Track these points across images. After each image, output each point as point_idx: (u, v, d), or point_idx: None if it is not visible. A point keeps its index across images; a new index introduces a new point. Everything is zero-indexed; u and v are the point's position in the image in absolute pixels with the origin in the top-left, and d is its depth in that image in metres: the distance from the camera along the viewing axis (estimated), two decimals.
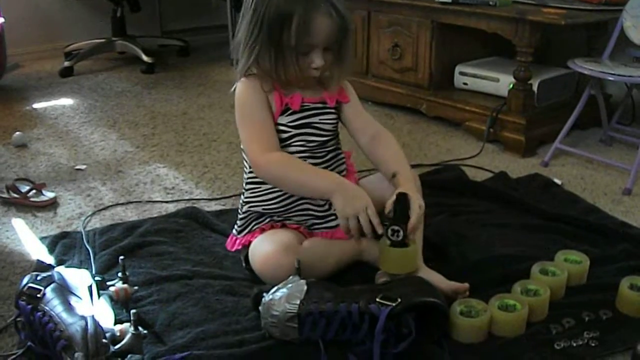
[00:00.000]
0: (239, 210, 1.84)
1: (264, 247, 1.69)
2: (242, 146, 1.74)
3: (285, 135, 1.71)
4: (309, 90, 1.73)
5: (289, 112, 1.71)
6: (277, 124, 1.70)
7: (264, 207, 1.76)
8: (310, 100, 1.73)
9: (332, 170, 1.77)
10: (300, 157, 1.70)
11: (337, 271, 1.72)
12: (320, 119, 1.75)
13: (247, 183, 1.79)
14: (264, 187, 1.75)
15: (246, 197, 1.80)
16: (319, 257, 1.67)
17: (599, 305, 1.62)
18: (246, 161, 1.77)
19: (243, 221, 1.81)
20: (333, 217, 1.74)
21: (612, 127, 2.81)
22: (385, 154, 1.77)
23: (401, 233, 1.55)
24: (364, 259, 1.76)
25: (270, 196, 1.75)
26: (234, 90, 1.73)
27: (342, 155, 1.83)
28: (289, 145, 1.72)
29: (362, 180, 1.88)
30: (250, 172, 1.76)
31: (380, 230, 1.56)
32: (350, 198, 1.57)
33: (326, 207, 1.76)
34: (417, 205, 1.58)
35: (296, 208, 1.76)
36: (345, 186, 1.61)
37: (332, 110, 1.77)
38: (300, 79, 1.68)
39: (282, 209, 1.76)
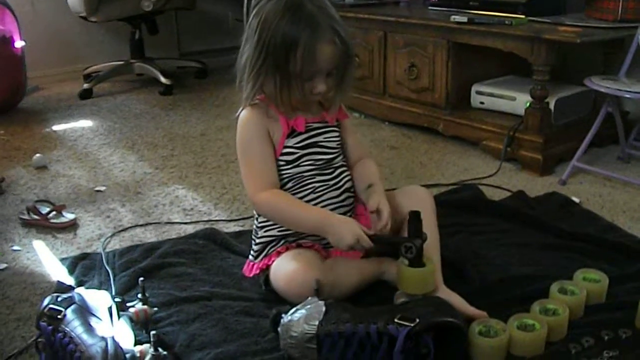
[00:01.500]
0: (253, 236, 1.85)
1: (288, 266, 1.69)
2: (242, 178, 1.79)
3: (293, 157, 1.75)
4: (309, 112, 1.77)
5: (295, 134, 1.74)
6: (284, 147, 1.74)
7: (278, 228, 1.77)
8: (312, 121, 1.77)
9: (341, 186, 1.80)
10: (309, 175, 1.75)
11: (359, 290, 1.72)
12: (324, 138, 1.79)
13: None
14: None
15: (260, 222, 1.81)
16: (342, 275, 1.68)
17: (618, 324, 1.61)
18: None
19: (259, 246, 1.81)
20: None
21: (629, 144, 2.80)
22: (367, 171, 1.84)
23: (414, 250, 1.56)
24: (385, 279, 1.76)
25: None
26: (237, 116, 1.78)
27: (349, 172, 1.84)
28: (298, 165, 1.75)
29: None
30: None
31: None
32: (338, 234, 1.62)
33: None
34: (381, 203, 1.69)
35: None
36: (332, 222, 1.65)
37: (335, 128, 1.82)
38: (303, 103, 1.72)
39: (299, 232, 1.76)
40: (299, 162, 1.75)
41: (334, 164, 1.80)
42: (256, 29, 1.65)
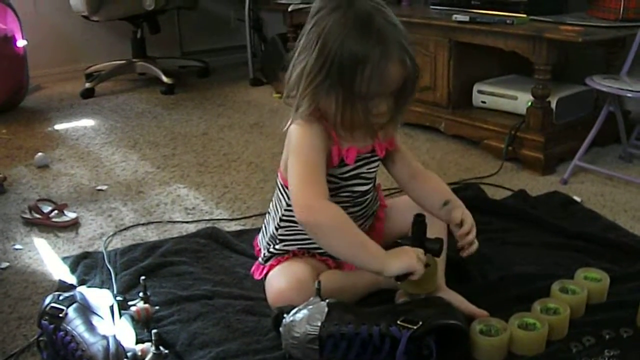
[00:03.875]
0: (268, 242, 1.79)
1: (278, 282, 1.66)
2: (290, 183, 1.58)
3: (333, 186, 1.63)
4: (361, 139, 1.64)
5: (342, 164, 1.64)
6: (328, 175, 1.60)
7: (299, 245, 1.74)
8: (362, 152, 1.66)
9: (368, 214, 1.76)
10: (343, 207, 1.57)
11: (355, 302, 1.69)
12: (367, 169, 1.70)
13: (282, 220, 1.74)
14: (300, 227, 1.66)
15: (280, 234, 1.75)
16: (335, 292, 1.60)
17: (620, 323, 1.61)
18: (285, 198, 1.71)
19: (271, 254, 1.76)
20: None
21: (631, 143, 2.79)
22: (438, 187, 1.75)
23: (440, 248, 1.57)
24: (382, 287, 1.72)
25: (307, 235, 1.67)
26: (286, 128, 1.64)
27: (377, 194, 1.80)
28: (336, 195, 1.65)
29: (389, 201, 1.88)
30: (287, 210, 1.70)
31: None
32: (402, 256, 1.49)
33: None
34: (464, 214, 1.63)
35: None
36: (390, 253, 1.51)
37: (379, 158, 1.72)
38: (362, 125, 1.56)
39: (318, 248, 1.72)
40: (337, 192, 1.66)
41: (368, 193, 1.74)
42: (317, 41, 1.49)
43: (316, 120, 1.58)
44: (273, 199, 1.80)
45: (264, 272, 1.77)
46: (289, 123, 1.63)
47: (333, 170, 1.64)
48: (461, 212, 1.65)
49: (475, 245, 1.64)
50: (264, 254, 1.79)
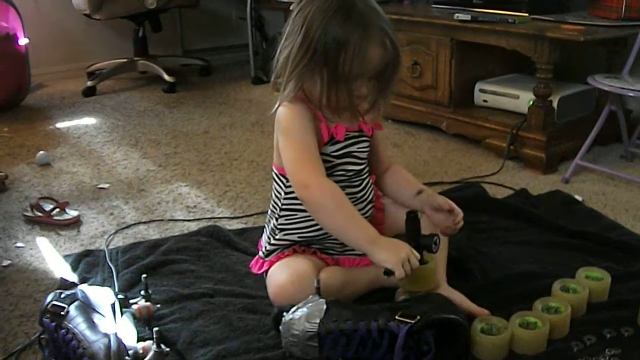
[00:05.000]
0: (269, 235, 1.79)
1: (279, 277, 1.68)
2: (286, 164, 1.63)
3: (327, 165, 1.66)
4: (347, 119, 1.69)
5: (333, 141, 1.67)
6: (321, 154, 1.64)
7: (299, 234, 1.74)
8: (350, 130, 1.70)
9: (366, 198, 1.77)
10: (339, 186, 1.61)
11: (355, 299, 1.70)
12: (358, 148, 1.72)
13: (282, 209, 1.74)
14: (300, 214, 1.71)
15: (280, 224, 1.75)
16: (336, 288, 1.64)
17: (621, 322, 1.61)
18: (282, 187, 1.73)
19: (273, 247, 1.76)
20: None
21: (632, 143, 2.79)
22: (407, 178, 1.83)
23: (438, 242, 1.58)
24: (384, 285, 1.73)
25: (307, 224, 1.71)
26: (274, 111, 1.68)
27: (372, 182, 1.81)
28: (330, 174, 1.66)
29: (386, 201, 1.89)
30: (286, 198, 1.72)
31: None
32: (393, 249, 1.52)
33: None
34: (445, 201, 1.70)
35: (332, 240, 1.74)
36: (384, 240, 1.55)
37: (368, 138, 1.75)
38: (347, 106, 1.63)
39: (318, 237, 1.74)
40: (332, 171, 1.68)
41: (362, 175, 1.76)
42: (301, 26, 1.56)
43: (301, 101, 1.64)
44: (272, 195, 1.80)
45: (265, 267, 1.77)
46: (276, 106, 1.68)
47: (325, 149, 1.66)
48: (443, 198, 1.73)
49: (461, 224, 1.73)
50: (265, 247, 1.79)
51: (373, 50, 1.55)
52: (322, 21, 1.53)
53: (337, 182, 1.65)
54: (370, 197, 1.79)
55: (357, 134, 1.72)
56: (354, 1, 1.55)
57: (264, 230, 1.85)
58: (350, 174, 1.72)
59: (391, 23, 1.59)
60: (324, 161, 1.65)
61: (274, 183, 1.77)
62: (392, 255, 1.50)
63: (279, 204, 1.75)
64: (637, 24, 2.62)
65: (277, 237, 1.76)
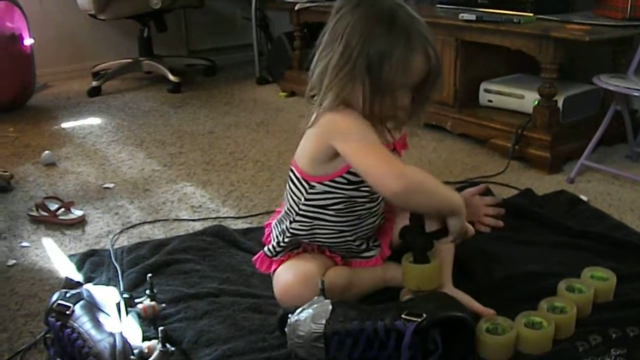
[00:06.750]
0: (278, 235, 1.77)
1: (285, 277, 1.68)
2: (364, 166, 1.54)
3: (357, 179, 1.62)
4: (381, 136, 1.62)
5: None
6: (350, 170, 1.61)
7: (312, 239, 1.73)
8: (387, 146, 1.62)
9: (380, 213, 1.77)
10: (361, 202, 1.65)
11: (360, 299, 1.70)
12: None
13: (298, 214, 1.71)
14: (316, 222, 1.69)
15: (293, 228, 1.72)
16: (342, 287, 1.65)
17: (626, 322, 1.60)
18: (303, 192, 1.68)
19: (282, 248, 1.75)
20: (371, 250, 1.77)
21: (638, 143, 2.79)
22: None
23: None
24: (391, 285, 1.74)
25: (320, 231, 1.71)
26: (311, 124, 1.61)
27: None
28: (358, 189, 1.64)
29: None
30: (305, 205, 1.69)
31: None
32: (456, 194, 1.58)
33: (363, 247, 1.76)
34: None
35: (342, 246, 1.74)
36: (454, 192, 1.59)
37: (398, 156, 1.71)
38: (391, 116, 1.60)
39: (328, 244, 1.74)
40: (359, 185, 1.63)
41: None
42: (342, 36, 1.52)
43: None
44: (287, 197, 1.75)
45: (274, 266, 1.76)
46: (312, 119, 1.61)
47: None
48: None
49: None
50: (273, 245, 1.77)
51: (417, 60, 1.52)
52: (364, 31, 1.50)
53: (361, 197, 1.66)
54: (382, 210, 1.78)
55: (391, 150, 1.68)
56: (396, 10, 1.53)
57: (273, 228, 1.81)
58: (373, 189, 1.69)
59: (431, 31, 1.57)
60: (355, 174, 1.61)
61: (293, 186, 1.71)
62: (464, 223, 1.57)
63: (296, 209, 1.71)
64: None
65: (288, 239, 1.75)
